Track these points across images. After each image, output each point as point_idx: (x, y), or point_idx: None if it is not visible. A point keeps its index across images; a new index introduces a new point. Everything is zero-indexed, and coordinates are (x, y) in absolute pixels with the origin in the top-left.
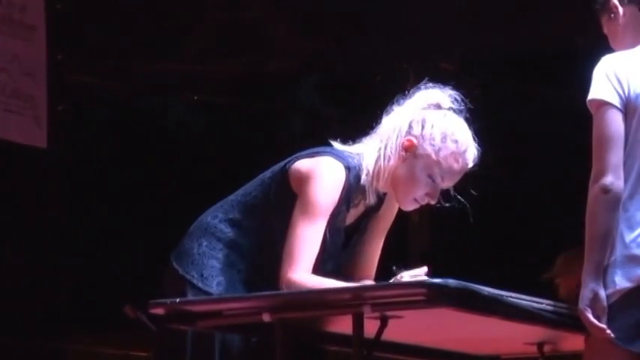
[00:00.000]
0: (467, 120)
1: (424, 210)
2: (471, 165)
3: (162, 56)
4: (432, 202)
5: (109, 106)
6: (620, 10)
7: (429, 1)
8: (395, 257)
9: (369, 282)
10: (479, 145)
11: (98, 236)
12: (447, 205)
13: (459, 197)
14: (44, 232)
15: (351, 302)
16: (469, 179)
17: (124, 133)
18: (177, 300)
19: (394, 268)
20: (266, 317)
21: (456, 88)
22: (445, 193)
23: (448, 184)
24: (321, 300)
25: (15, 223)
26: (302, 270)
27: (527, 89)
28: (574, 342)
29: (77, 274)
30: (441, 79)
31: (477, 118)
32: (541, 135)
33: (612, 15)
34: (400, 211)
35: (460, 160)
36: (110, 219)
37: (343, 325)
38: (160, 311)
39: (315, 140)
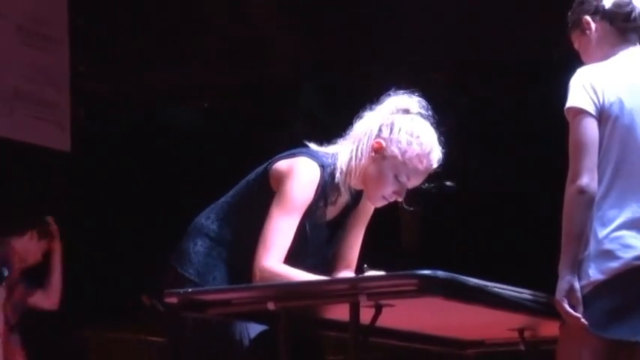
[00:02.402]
0: (434, 124)
1: (415, 209)
2: (435, 166)
3: (174, 66)
4: (399, 200)
5: (126, 112)
6: (593, 25)
7: (420, 17)
8: (389, 251)
9: (349, 272)
10: (451, 146)
11: (117, 232)
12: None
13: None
14: (68, 228)
15: (348, 292)
16: (457, 178)
17: (139, 136)
18: (190, 290)
19: (365, 266)
20: (271, 305)
21: (445, 96)
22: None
23: (414, 183)
24: (320, 290)
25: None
26: (273, 258)
27: (510, 97)
28: (551, 328)
29: (98, 268)
30: (430, 88)
31: (464, 121)
32: (524, 138)
33: (585, 31)
34: (392, 211)
35: (425, 161)
36: (125, 216)
37: (341, 312)
38: (173, 300)
39: (314, 142)
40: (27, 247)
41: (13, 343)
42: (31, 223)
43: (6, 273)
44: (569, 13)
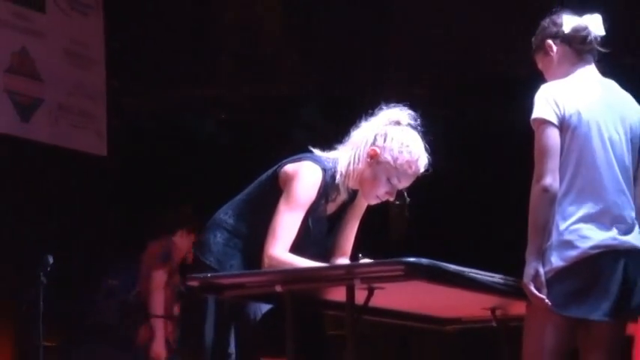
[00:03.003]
0: (422, 133)
1: (403, 204)
2: (422, 170)
3: (194, 83)
4: (391, 199)
5: (154, 122)
6: (554, 48)
7: (406, 43)
8: (379, 241)
9: (345, 259)
10: (437, 153)
11: (143, 223)
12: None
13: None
14: (106, 220)
15: (345, 277)
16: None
17: (165, 142)
18: (209, 275)
19: (360, 254)
20: (278, 288)
21: (425, 108)
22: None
23: (404, 185)
24: (321, 275)
25: (82, 215)
26: (280, 247)
27: (482, 109)
28: (519, 308)
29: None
30: (414, 102)
31: (446, 131)
32: (497, 144)
33: (547, 52)
34: (379, 206)
35: (413, 166)
36: (151, 210)
37: (338, 294)
38: (195, 283)
39: (317, 148)
40: (181, 242)
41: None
42: (182, 222)
43: (50, 260)
44: (534, 38)
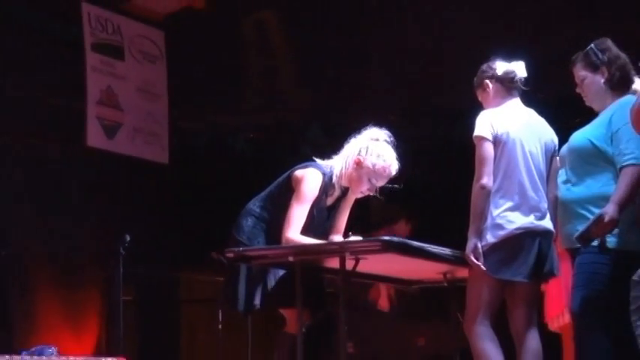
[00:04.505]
0: (394, 147)
1: (380, 198)
2: (394, 173)
3: (230, 111)
4: (372, 194)
5: (203, 139)
6: (490, 86)
7: (382, 81)
8: (361, 224)
9: (339, 237)
10: (406, 161)
11: (198, 213)
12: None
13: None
14: (166, 210)
15: (338, 250)
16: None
17: (211, 154)
18: (241, 249)
19: (350, 233)
20: (290, 258)
21: (398, 129)
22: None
23: (381, 184)
24: (321, 249)
25: (150, 205)
26: (293, 230)
27: (440, 130)
28: (464, 272)
29: (190, 235)
30: (388, 125)
31: (412, 146)
32: (450, 154)
33: (485, 89)
34: (363, 198)
35: (387, 171)
36: (203, 203)
37: (333, 263)
38: (231, 255)
39: (319, 158)
40: (401, 229)
41: None
42: (401, 214)
43: (128, 238)
44: (475, 78)
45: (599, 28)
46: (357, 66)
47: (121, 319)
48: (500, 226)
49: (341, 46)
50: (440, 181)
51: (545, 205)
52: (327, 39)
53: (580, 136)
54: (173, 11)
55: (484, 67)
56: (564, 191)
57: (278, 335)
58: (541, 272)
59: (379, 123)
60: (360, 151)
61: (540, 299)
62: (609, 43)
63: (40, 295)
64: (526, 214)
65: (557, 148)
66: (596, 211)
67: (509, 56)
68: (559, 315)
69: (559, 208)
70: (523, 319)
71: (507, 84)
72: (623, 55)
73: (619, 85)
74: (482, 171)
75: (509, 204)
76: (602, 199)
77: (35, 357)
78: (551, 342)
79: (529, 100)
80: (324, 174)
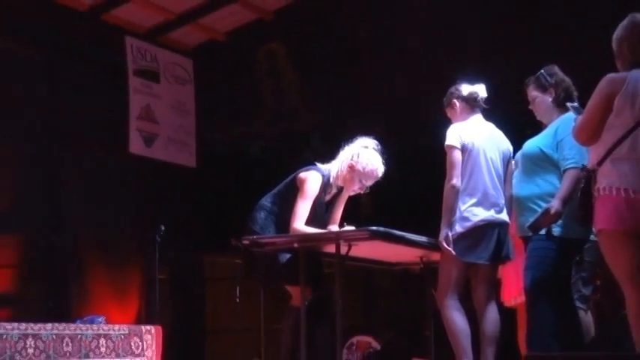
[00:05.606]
0: (381, 153)
1: (369, 195)
2: (380, 175)
3: (247, 123)
4: (362, 192)
5: (225, 147)
6: (457, 104)
7: (371, 99)
8: (352, 217)
9: (336, 227)
10: (390, 165)
11: (221, 207)
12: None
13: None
14: (194, 205)
15: (334, 238)
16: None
17: (231, 160)
18: (255, 237)
19: (345, 223)
20: (295, 245)
21: (384, 140)
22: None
23: (370, 184)
24: (321, 237)
25: (181, 201)
26: (299, 222)
27: (418, 139)
28: (437, 256)
29: (214, 224)
30: (376, 135)
31: (396, 153)
32: (426, 160)
33: (453, 107)
34: (355, 196)
35: (375, 173)
36: (225, 200)
37: (331, 248)
38: (247, 242)
39: (320, 162)
40: None
41: None
42: None
43: (162, 228)
44: (444, 98)
45: (545, 58)
46: (351, 88)
47: (157, 294)
48: (466, 219)
49: (338, 71)
50: (416, 182)
51: (502, 201)
52: (327, 66)
53: (531, 144)
54: (199, 43)
55: (452, 89)
56: (518, 189)
57: (285, 307)
58: (499, 256)
59: (368, 134)
60: (352, 156)
61: (498, 283)
62: (556, 68)
63: (91, 274)
64: (487, 208)
65: (512, 154)
66: (544, 205)
67: (475, 79)
68: (516, 297)
69: (514, 203)
70: (484, 294)
71: (472, 103)
72: (567, 79)
73: (563, 103)
74: (452, 173)
75: (473, 200)
76: (549, 196)
77: (87, 324)
78: (507, 315)
79: (489, 116)
80: (323, 175)
